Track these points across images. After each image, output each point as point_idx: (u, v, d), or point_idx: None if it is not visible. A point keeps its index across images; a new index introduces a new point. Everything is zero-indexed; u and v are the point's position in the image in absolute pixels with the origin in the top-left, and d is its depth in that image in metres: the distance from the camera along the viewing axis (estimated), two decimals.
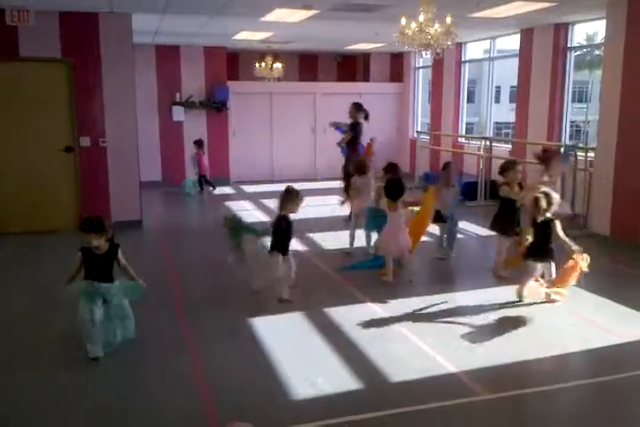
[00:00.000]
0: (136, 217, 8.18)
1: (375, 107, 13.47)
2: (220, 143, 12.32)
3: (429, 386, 3.66)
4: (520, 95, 9.98)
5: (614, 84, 7.20)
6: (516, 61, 10.07)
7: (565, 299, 5.04)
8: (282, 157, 12.91)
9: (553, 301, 5.04)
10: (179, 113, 11.95)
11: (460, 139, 11.84)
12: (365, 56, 14.12)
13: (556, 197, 4.99)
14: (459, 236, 6.97)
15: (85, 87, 7.73)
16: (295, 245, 7.24)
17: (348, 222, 7.83)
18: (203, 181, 11.20)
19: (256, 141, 12.68)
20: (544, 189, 5.16)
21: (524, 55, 9.72)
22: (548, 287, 5.05)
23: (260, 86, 12.68)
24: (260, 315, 4.84)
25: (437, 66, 12.15)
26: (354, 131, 8.52)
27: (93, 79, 7.77)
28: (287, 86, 13.03)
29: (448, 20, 5.79)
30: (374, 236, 6.35)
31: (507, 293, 5.40)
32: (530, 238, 5.00)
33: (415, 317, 4.80)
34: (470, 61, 12.04)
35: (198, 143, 11.21)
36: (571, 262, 4.92)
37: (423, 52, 6.19)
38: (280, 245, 5.14)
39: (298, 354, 4.13)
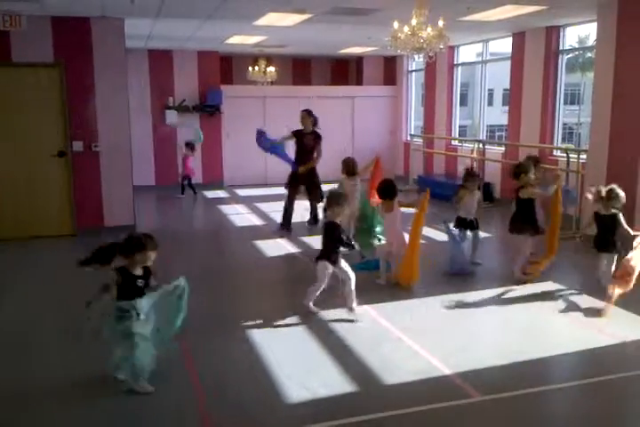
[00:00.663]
0: (129, 222, 8.16)
1: (368, 110, 13.58)
2: (213, 147, 12.32)
3: (424, 388, 3.66)
4: (513, 98, 10.02)
5: (606, 87, 7.24)
6: (508, 64, 10.11)
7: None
8: (275, 161, 12.85)
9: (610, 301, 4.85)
10: (172, 117, 11.94)
11: (453, 142, 11.88)
12: (358, 60, 14.16)
13: (620, 192, 5.30)
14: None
15: (78, 92, 7.72)
16: (289, 247, 7.29)
17: (312, 227, 8.06)
18: (186, 184, 11.08)
19: (249, 145, 12.59)
20: (612, 185, 5.42)
21: (517, 58, 9.77)
22: (612, 283, 4.88)
23: (253, 90, 12.69)
24: (254, 319, 4.83)
25: (430, 69, 12.19)
26: (318, 139, 8.16)
27: (86, 84, 7.76)
28: (280, 90, 13.04)
29: (440, 23, 5.81)
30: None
31: (502, 294, 5.42)
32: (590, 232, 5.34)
33: (409, 319, 4.80)
34: (463, 64, 12.08)
35: (189, 145, 11.15)
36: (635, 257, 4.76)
37: (416, 56, 6.20)
38: (330, 253, 4.88)
39: (292, 357, 4.13)
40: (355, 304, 4.92)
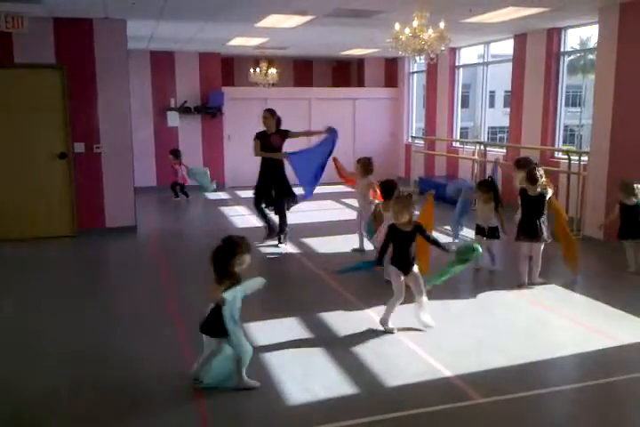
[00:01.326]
0: (131, 223, 8.17)
1: (370, 112, 13.59)
2: (214, 148, 12.34)
3: (425, 390, 3.66)
4: (514, 100, 10.02)
5: (607, 89, 7.25)
6: (509, 66, 10.11)
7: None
8: None
9: None
10: (173, 119, 11.96)
11: (454, 143, 11.88)
12: (360, 61, 14.17)
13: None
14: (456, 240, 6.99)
15: (80, 93, 7.73)
16: (290, 249, 7.29)
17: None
18: (178, 189, 10.98)
19: (251, 147, 12.65)
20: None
21: (518, 60, 9.77)
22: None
23: (254, 92, 12.70)
24: (256, 320, 4.83)
25: (431, 71, 12.20)
26: (286, 135, 7.61)
27: (88, 85, 7.77)
28: (282, 92, 13.05)
29: (441, 25, 5.82)
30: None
31: (500, 297, 5.42)
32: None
33: (410, 321, 4.79)
34: (464, 66, 12.09)
35: (175, 153, 11.05)
36: None
37: (417, 58, 6.19)
38: (397, 259, 4.60)
39: (293, 359, 4.13)
40: (424, 314, 4.68)
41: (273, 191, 7.45)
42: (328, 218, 9.20)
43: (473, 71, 13.95)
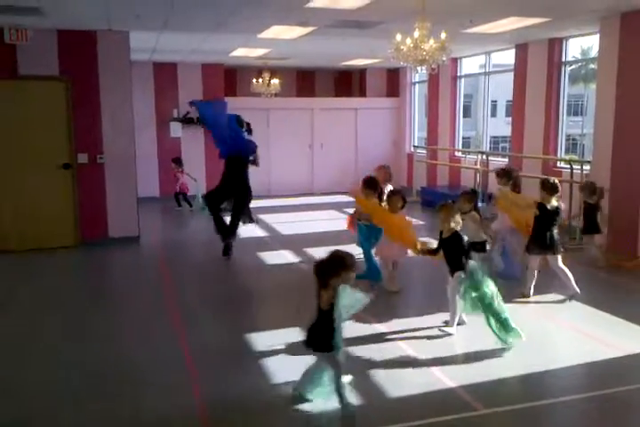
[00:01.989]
0: (134, 233, 8.18)
1: (372, 121, 13.63)
2: (216, 158, 12.32)
3: (428, 401, 3.64)
4: (516, 109, 10.04)
5: (608, 98, 7.26)
6: (511, 76, 10.15)
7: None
8: (279, 172, 12.95)
9: None
10: (176, 129, 12.01)
11: (456, 153, 11.89)
12: (362, 71, 14.22)
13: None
14: None
15: (83, 104, 7.77)
16: (292, 259, 7.29)
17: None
18: (181, 197, 10.98)
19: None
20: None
21: (520, 70, 9.80)
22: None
23: (257, 102, 12.75)
24: (257, 329, 4.83)
25: (433, 81, 12.24)
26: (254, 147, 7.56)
27: (91, 96, 7.81)
28: (284, 102, 13.11)
29: (443, 35, 5.85)
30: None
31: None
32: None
33: (413, 331, 4.78)
34: (466, 76, 12.13)
35: (177, 161, 11.07)
36: None
37: (419, 68, 6.20)
38: (463, 265, 4.65)
39: (296, 369, 4.10)
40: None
41: (230, 193, 7.35)
42: (331, 228, 9.18)
43: (475, 81, 14.00)
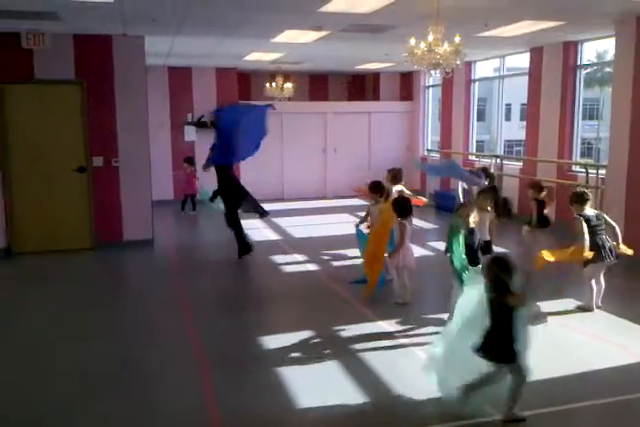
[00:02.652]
0: (148, 236, 8.23)
1: (385, 125, 13.61)
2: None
3: (440, 406, 3.61)
4: (530, 113, 9.99)
5: (624, 102, 7.20)
6: (525, 79, 10.09)
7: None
8: (292, 176, 12.97)
9: None
10: (190, 133, 12.08)
11: (470, 157, 11.84)
12: (375, 75, 14.22)
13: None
14: None
15: (99, 108, 7.84)
16: (306, 262, 7.29)
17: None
18: (189, 200, 11.00)
19: (267, 160, 12.74)
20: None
21: (534, 73, 9.75)
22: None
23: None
24: (270, 333, 4.83)
25: (447, 84, 12.20)
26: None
27: (107, 100, 7.88)
28: (298, 106, 13.13)
29: (457, 39, 5.84)
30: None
31: None
32: None
33: (426, 335, 4.75)
34: (480, 80, 12.08)
35: (190, 161, 11.10)
36: None
37: (432, 72, 6.20)
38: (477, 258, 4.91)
39: (307, 372, 4.10)
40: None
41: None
42: (344, 231, 9.16)
43: (489, 84, 13.93)
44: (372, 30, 7.67)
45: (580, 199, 5.39)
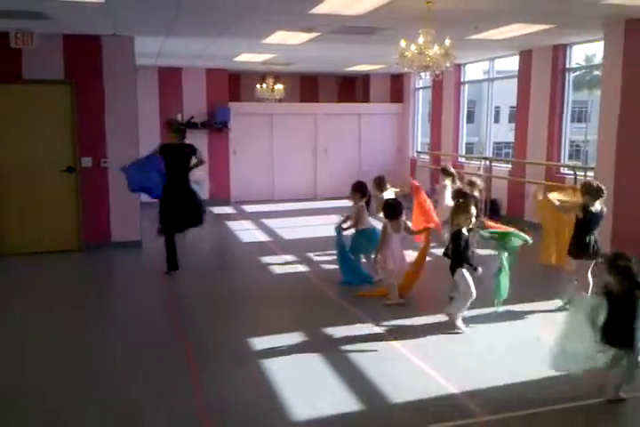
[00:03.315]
0: (136, 238, 8.18)
1: (375, 127, 13.64)
2: (220, 163, 12.37)
3: (430, 407, 3.62)
4: (519, 115, 10.04)
5: (612, 104, 7.26)
6: (515, 82, 10.15)
7: None
8: (282, 177, 12.96)
9: None
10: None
11: (459, 158, 11.88)
12: (365, 77, 14.24)
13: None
14: None
15: (88, 108, 7.79)
16: (297, 264, 7.28)
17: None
18: None
19: (257, 161, 12.75)
20: None
21: (523, 76, 9.81)
22: None
23: (261, 107, 12.78)
24: (260, 334, 4.82)
25: (437, 87, 12.24)
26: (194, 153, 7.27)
27: (96, 101, 7.83)
28: (288, 107, 13.13)
29: (447, 42, 5.86)
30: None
31: (508, 314, 5.38)
32: None
33: (416, 337, 4.76)
34: (469, 82, 12.13)
35: None
36: None
37: (422, 74, 6.22)
38: (465, 260, 4.97)
39: (297, 374, 4.10)
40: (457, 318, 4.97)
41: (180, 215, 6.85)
42: (334, 233, 9.16)
43: (478, 87, 14.02)
44: (362, 32, 7.69)
45: (595, 194, 5.19)
